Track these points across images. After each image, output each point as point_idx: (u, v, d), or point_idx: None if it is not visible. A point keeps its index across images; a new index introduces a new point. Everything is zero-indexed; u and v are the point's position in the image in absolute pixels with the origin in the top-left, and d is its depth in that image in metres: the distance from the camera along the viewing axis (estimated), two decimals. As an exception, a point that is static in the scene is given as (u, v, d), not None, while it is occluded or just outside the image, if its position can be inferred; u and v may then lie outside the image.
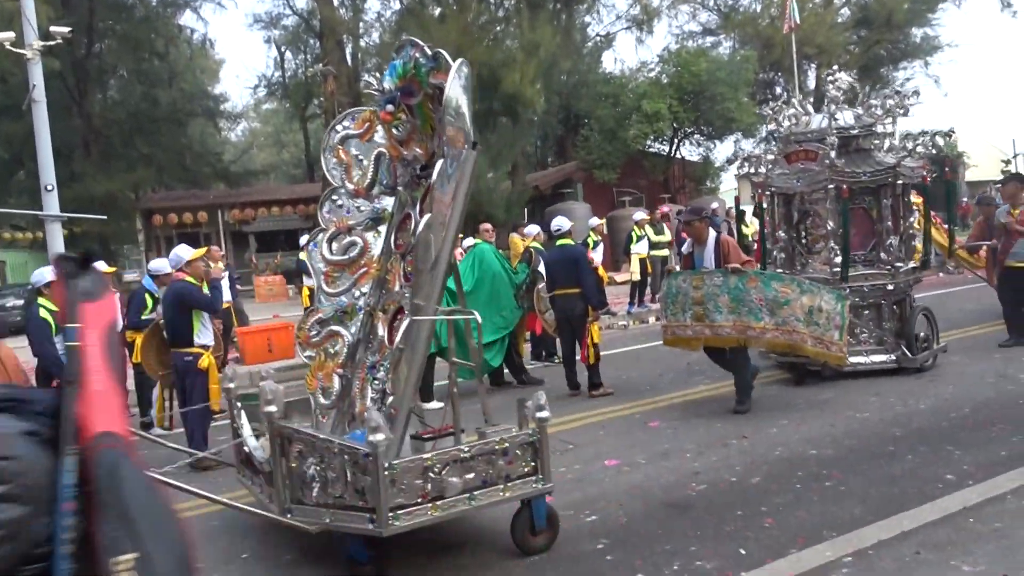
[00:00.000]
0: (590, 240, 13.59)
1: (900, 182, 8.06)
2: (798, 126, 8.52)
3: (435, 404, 8.31)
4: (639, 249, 14.50)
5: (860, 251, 8.19)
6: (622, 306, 14.45)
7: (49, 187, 11.78)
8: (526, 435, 4.13)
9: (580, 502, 5.06)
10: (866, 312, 8.04)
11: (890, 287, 7.96)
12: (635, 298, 14.46)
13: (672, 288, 7.30)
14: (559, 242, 8.75)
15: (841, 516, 4.45)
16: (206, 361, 6.85)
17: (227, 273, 11.81)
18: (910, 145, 8.27)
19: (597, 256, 13.57)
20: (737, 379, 7.19)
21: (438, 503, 3.85)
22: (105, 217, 23.39)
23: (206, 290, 7.18)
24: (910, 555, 3.87)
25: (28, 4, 11.83)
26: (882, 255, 8.12)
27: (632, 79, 26.91)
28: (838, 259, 7.92)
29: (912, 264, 8.37)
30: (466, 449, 3.95)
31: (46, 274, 6.68)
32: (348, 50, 25.44)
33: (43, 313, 6.67)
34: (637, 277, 14.46)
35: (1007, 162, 38.46)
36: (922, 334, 8.08)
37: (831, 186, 7.86)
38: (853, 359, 7.74)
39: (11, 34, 12.18)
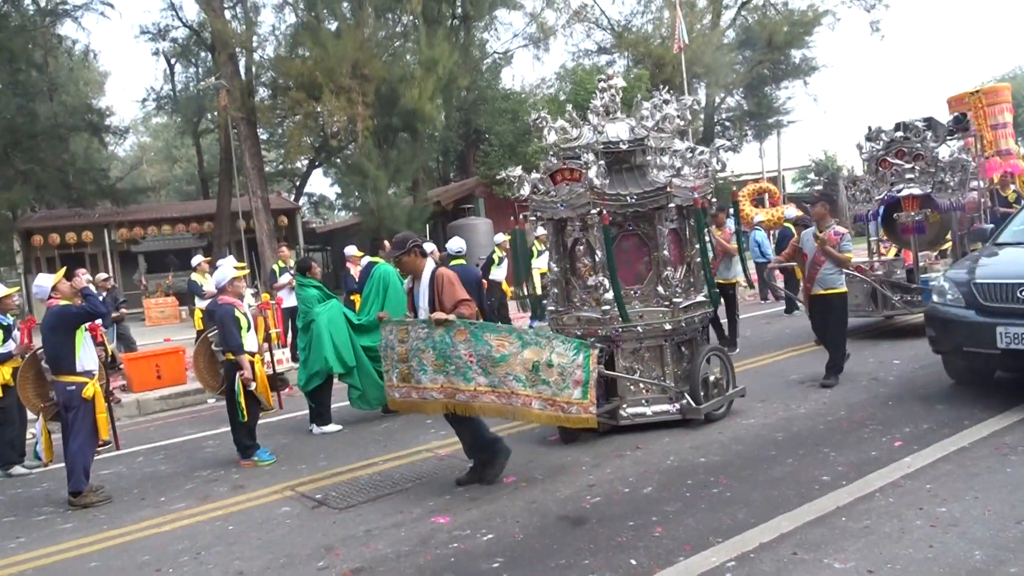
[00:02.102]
0: (495, 256, 13.76)
1: (673, 205, 6.84)
2: (567, 140, 7.15)
3: (332, 427, 8.22)
4: (540, 264, 14.69)
5: (636, 285, 7.04)
6: (524, 320, 14.60)
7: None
8: None
9: (477, 520, 5.09)
10: (647, 356, 6.94)
11: (668, 326, 6.83)
12: (537, 312, 14.65)
13: (382, 341, 5.91)
14: (455, 262, 8.80)
15: (726, 521, 4.64)
16: (91, 390, 6.54)
17: (104, 296, 11.30)
18: (678, 163, 6.99)
19: (502, 272, 13.81)
20: (470, 439, 5.96)
21: None
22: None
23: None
24: (788, 556, 4.08)
25: None
26: (659, 289, 6.94)
27: (531, 95, 27.32)
28: (609, 295, 6.76)
29: (700, 298, 7.21)
30: None
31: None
32: (241, 64, 24.79)
33: None
34: (539, 291, 14.66)
35: (827, 181, 33.80)
36: (712, 378, 7.07)
37: (594, 211, 6.72)
38: (632, 410, 6.83)
39: None
